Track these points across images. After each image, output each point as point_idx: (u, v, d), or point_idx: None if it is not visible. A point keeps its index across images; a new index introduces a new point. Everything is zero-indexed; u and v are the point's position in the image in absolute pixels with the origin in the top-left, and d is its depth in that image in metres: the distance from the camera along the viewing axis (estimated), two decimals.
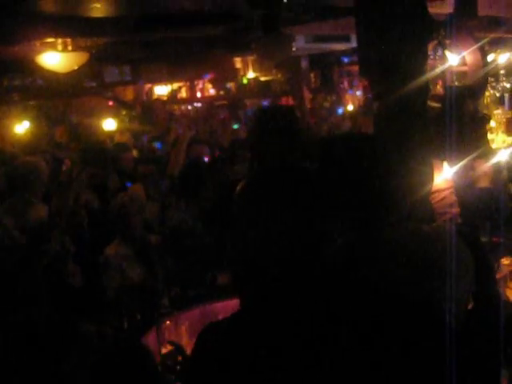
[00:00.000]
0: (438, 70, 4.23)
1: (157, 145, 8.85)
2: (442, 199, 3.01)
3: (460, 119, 3.78)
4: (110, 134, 9.97)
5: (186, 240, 4.78)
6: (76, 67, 7.70)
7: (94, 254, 4.41)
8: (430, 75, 2.76)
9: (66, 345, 3.35)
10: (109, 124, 10.43)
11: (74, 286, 4.10)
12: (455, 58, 4.25)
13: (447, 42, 4.38)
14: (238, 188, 1.47)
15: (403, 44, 2.56)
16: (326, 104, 12.44)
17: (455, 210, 3.11)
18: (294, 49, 6.80)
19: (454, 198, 3.16)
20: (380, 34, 2.57)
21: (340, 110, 11.19)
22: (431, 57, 4.20)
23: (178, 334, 3.38)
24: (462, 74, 4.41)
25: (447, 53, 4.40)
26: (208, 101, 13.17)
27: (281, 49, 6.28)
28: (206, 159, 6.61)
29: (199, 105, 13.37)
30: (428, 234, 1.58)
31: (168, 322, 3.46)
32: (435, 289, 1.43)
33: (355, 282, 1.38)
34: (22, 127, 10.64)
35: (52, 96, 11.98)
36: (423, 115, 2.63)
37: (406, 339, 1.31)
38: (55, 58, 7.43)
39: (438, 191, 3.00)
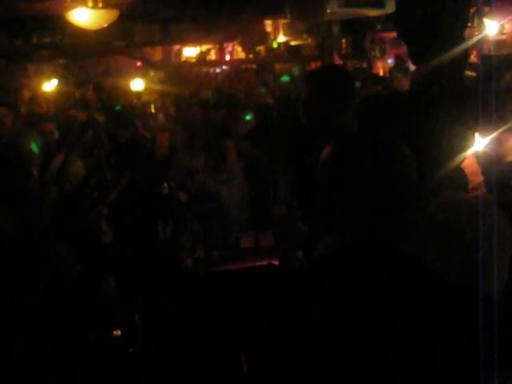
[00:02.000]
0: (475, 38, 4.11)
1: None
2: (465, 167, 2.96)
3: (495, 90, 3.68)
4: (138, 95, 9.95)
5: (210, 202, 4.81)
6: (106, 25, 7.66)
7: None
8: (467, 43, 2.67)
9: (88, 299, 3.40)
10: (136, 84, 10.39)
11: (105, 243, 4.16)
12: (494, 26, 4.12)
13: (486, 9, 4.25)
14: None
15: (443, 8, 2.48)
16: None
17: (479, 178, 3.06)
18: (328, 11, 6.65)
19: (476, 166, 3.09)
20: None
21: None
22: (468, 24, 4.08)
23: None
24: (499, 43, 4.29)
25: (485, 20, 4.27)
26: (234, 64, 13.02)
27: (315, 10, 6.16)
28: None
29: (226, 67, 13.24)
30: (470, 204, 1.52)
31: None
32: (478, 262, 1.39)
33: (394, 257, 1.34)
34: (50, 85, 10.66)
35: (81, 54, 11.96)
36: (460, 83, 2.55)
37: (448, 317, 1.28)
38: (85, 15, 7.40)
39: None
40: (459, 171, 2.49)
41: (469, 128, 2.67)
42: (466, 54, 2.58)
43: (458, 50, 2.43)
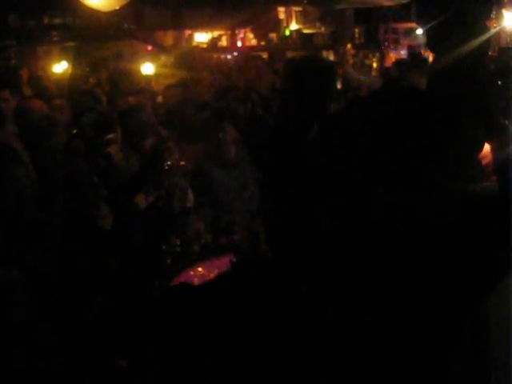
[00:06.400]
0: (494, 30, 4.04)
1: None
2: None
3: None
4: (148, 79, 9.88)
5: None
6: (118, 7, 7.56)
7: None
8: (490, 32, 2.61)
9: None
10: (146, 69, 10.31)
11: (104, 228, 4.09)
12: None
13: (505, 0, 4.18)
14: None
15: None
16: (368, 61, 12.13)
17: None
18: None
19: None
20: None
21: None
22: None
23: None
24: None
25: (504, 12, 4.20)
26: (244, 51, 12.91)
27: None
28: None
29: (235, 54, 13.12)
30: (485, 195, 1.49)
31: (200, 269, 3.46)
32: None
33: None
34: (60, 68, 10.59)
35: (91, 37, 11.88)
36: (479, 74, 2.50)
37: None
38: None
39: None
40: (476, 164, 2.45)
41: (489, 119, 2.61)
42: (489, 44, 2.53)
43: (481, 39, 2.38)
